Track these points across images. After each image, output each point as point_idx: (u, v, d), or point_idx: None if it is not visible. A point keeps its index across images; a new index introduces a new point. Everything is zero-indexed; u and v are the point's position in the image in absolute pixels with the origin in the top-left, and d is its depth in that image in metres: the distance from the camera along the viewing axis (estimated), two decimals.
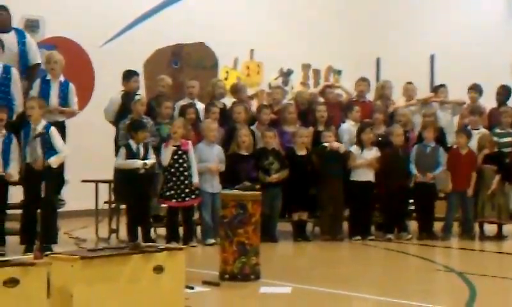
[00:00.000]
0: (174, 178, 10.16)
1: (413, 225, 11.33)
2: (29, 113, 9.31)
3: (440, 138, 11.53)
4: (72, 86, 10.18)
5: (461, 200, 11.12)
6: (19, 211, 9.57)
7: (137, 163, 9.92)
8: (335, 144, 10.96)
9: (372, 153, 11.06)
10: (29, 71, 10.31)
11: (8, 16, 10.37)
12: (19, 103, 9.79)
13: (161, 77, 11.57)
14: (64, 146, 9.54)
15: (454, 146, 11.33)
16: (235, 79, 15.54)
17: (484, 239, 11.08)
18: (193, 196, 10.24)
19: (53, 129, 9.38)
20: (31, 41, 10.55)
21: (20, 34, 10.43)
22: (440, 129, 11.68)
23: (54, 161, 9.25)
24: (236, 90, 12.15)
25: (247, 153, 10.77)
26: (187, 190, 10.19)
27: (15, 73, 9.83)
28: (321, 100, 12.30)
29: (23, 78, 10.05)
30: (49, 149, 9.16)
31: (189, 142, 10.39)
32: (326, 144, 10.96)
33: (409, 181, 11.13)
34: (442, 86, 12.47)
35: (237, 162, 10.67)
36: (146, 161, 9.94)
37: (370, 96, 12.61)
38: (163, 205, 10.49)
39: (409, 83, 12.34)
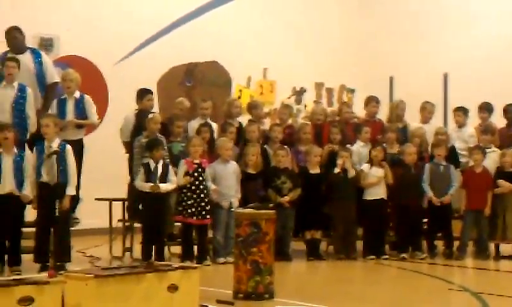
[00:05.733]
0: (194, 196, 10.15)
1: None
2: (44, 131, 9.31)
3: (452, 157, 11.47)
4: (87, 98, 10.20)
5: (476, 219, 11.06)
6: (33, 229, 9.56)
7: (152, 185, 9.87)
8: (346, 165, 10.91)
9: (382, 171, 11.01)
10: (47, 89, 10.35)
11: (23, 38, 10.45)
12: (33, 123, 9.83)
13: (180, 100, 11.56)
14: (75, 170, 9.43)
15: (471, 164, 11.25)
16: (248, 98, 15.56)
17: (499, 259, 11.01)
18: (209, 216, 10.23)
19: (68, 148, 9.35)
20: (47, 59, 10.63)
21: (36, 54, 10.50)
22: (452, 147, 11.62)
23: (69, 189, 9.25)
24: (253, 107, 12.13)
25: (254, 172, 10.77)
26: (207, 208, 10.19)
27: (29, 92, 9.89)
28: (337, 118, 12.31)
29: (42, 97, 10.10)
30: (63, 168, 9.15)
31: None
32: (335, 169, 10.93)
33: (423, 201, 11.09)
34: (460, 108, 12.13)
35: (244, 181, 10.66)
36: (160, 185, 9.90)
37: (381, 115, 12.55)
38: (177, 223, 10.48)
39: (428, 103, 12.27)
